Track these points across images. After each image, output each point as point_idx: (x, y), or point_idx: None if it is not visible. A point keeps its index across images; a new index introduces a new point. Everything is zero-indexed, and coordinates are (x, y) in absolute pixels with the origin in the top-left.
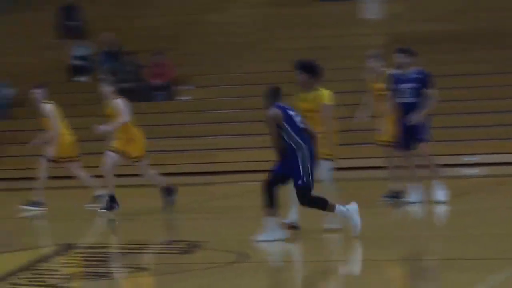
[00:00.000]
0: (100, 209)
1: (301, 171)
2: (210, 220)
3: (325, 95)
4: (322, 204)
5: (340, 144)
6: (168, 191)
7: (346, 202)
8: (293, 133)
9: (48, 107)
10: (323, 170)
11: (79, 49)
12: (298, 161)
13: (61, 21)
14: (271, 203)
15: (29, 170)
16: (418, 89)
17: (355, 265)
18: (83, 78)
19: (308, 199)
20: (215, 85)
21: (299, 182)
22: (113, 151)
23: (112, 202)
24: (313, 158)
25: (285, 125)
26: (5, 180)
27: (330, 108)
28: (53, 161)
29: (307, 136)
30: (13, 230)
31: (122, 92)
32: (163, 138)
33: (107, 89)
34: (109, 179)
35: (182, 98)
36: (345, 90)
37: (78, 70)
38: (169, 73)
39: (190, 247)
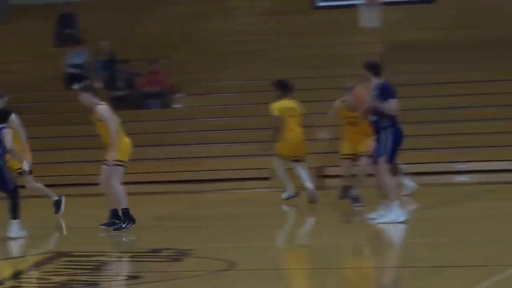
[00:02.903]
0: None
1: None
2: (200, 228)
3: None
4: None
5: None
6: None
7: None
8: None
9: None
10: None
11: (75, 57)
12: None
13: (59, 29)
14: None
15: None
16: None
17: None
18: (77, 86)
19: None
20: (208, 93)
21: None
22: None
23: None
24: None
25: None
26: None
27: None
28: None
29: None
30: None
31: (116, 100)
32: (156, 146)
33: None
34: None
35: (175, 106)
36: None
37: (73, 78)
38: (163, 81)
39: (180, 255)
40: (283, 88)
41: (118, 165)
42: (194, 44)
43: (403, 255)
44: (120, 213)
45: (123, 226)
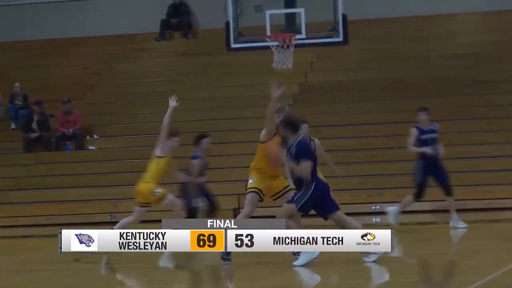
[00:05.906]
0: None
1: None
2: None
3: None
4: None
5: None
6: None
7: None
8: None
9: None
10: None
11: None
12: None
13: None
14: None
15: None
16: None
17: None
18: None
19: None
20: (122, 135)
21: None
22: None
23: None
24: None
25: None
26: None
27: None
28: None
29: None
30: None
31: (31, 142)
32: (71, 188)
33: None
34: None
35: (89, 148)
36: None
37: None
38: (78, 122)
39: None
40: None
41: None
42: (108, 85)
43: None
44: None
45: None
